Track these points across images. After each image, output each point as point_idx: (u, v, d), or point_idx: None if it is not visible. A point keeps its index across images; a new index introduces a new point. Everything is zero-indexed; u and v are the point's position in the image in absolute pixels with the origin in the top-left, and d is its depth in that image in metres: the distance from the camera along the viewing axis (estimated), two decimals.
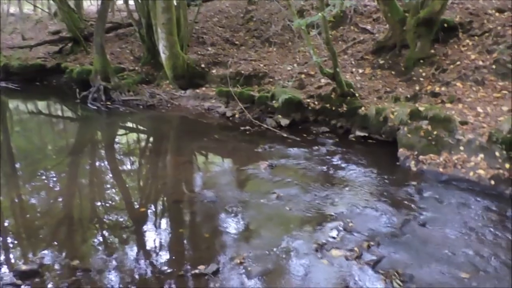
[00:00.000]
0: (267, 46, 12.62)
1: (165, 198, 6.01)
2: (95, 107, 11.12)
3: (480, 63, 8.47)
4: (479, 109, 7.32)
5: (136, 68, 13.04)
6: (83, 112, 11.14)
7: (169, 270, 4.02)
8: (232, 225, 4.98)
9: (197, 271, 3.96)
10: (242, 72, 10.85)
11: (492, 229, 4.96)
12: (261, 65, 11.27)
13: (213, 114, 10.40)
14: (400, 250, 4.48)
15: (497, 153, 6.17)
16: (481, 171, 6.13)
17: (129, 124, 10.46)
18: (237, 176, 6.60)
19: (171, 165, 7.35)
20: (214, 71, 11.67)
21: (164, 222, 5.23)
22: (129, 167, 7.35)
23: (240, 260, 4.15)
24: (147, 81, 12.49)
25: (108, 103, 11.38)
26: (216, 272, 3.94)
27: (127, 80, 12.02)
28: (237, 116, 9.94)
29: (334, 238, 4.66)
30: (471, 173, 6.17)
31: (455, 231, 4.89)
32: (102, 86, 11.59)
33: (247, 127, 9.09)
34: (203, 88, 11.41)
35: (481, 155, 6.30)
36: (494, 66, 8.26)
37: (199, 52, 12.48)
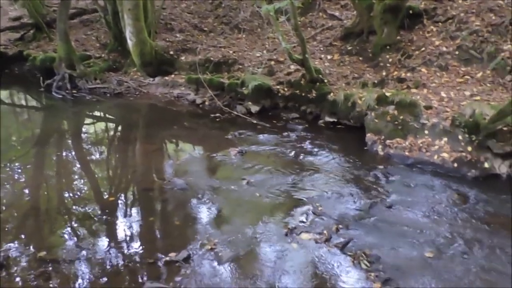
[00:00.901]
0: (236, 32, 12.53)
1: (135, 187, 5.96)
2: (60, 96, 10.81)
3: (444, 49, 8.70)
4: (443, 94, 7.54)
5: (103, 55, 12.70)
6: (48, 101, 10.81)
7: (139, 259, 4.02)
8: (203, 212, 5.00)
9: (168, 258, 3.98)
10: (212, 59, 10.75)
11: (455, 210, 5.16)
12: (231, 51, 11.19)
13: (183, 101, 10.30)
14: (367, 232, 4.60)
15: (460, 137, 6.38)
16: (444, 154, 6.33)
17: (97, 113, 10.23)
18: (208, 163, 6.60)
19: (141, 154, 7.27)
20: (183, 58, 11.50)
21: (134, 211, 5.18)
22: (97, 156, 7.22)
23: (211, 246, 4.18)
24: (114, 69, 12.19)
25: (74, 91, 11.08)
26: (187, 259, 3.97)
27: (93, 68, 11.72)
28: (207, 103, 9.87)
29: (304, 222, 4.75)
30: (436, 156, 6.37)
31: (420, 213, 5.07)
32: (67, 74, 11.25)
33: (217, 114, 9.06)
34: (172, 75, 11.24)
35: (445, 139, 6.50)
36: (457, 52, 8.50)
37: (167, 39, 12.27)
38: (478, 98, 7.21)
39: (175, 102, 10.31)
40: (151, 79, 11.30)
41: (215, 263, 3.96)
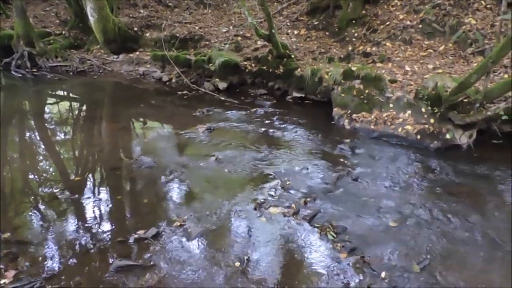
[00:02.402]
0: (202, 8, 12.32)
1: (102, 166, 5.86)
2: (20, 75, 10.43)
3: (408, 22, 8.83)
4: (407, 68, 7.69)
5: (63, 32, 12.26)
6: (7, 80, 10.39)
7: (108, 238, 4.00)
8: (171, 190, 4.99)
9: (136, 236, 3.98)
10: (177, 35, 10.56)
11: (418, 180, 5.35)
12: (197, 27, 11.02)
13: (149, 79, 10.12)
14: (334, 204, 4.71)
15: (423, 109, 6.56)
16: (408, 127, 6.50)
17: (60, 92, 9.92)
18: (176, 140, 6.55)
19: (107, 132, 7.14)
20: (147, 34, 11.26)
21: (101, 190, 5.10)
22: (62, 136, 7.04)
23: (180, 223, 4.20)
24: (76, 46, 11.81)
25: (34, 70, 10.71)
26: (156, 236, 3.98)
27: (54, 45, 11.32)
28: (173, 80, 9.74)
29: (272, 196, 4.81)
30: (400, 129, 6.53)
31: (385, 184, 5.22)
32: (26, 52, 10.85)
33: (185, 92, 8.97)
34: (137, 53, 11.01)
35: (409, 112, 6.67)
36: (420, 26, 8.65)
37: (130, 15, 11.95)
38: (440, 71, 7.39)
39: (140, 79, 10.12)
40: (115, 56, 11.04)
41: (184, 239, 3.98)
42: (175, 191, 4.95)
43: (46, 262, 3.65)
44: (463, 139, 6.34)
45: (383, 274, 3.59)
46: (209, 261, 3.69)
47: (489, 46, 7.57)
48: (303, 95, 8.49)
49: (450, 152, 6.18)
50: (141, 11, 12.24)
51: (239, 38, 10.14)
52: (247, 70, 9.09)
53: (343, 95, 7.39)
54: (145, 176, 5.31)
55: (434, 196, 4.96)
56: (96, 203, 4.69)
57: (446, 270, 3.69)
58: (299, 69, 8.51)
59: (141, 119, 7.75)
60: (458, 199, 4.89)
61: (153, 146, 6.32)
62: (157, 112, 8.01)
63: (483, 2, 8.57)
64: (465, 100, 6.29)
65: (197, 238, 3.99)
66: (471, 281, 3.56)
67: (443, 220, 4.47)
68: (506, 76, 6.82)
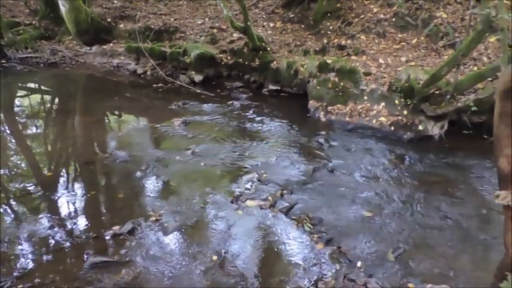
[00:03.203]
0: None
1: (75, 161, 5.76)
2: None
3: (382, 16, 8.93)
4: (381, 60, 7.79)
5: (34, 22, 11.88)
6: None
7: (83, 234, 3.94)
8: (147, 184, 4.94)
9: (111, 231, 3.93)
10: (152, 26, 10.39)
11: (391, 170, 5.46)
12: (172, 19, 10.86)
13: (123, 71, 9.95)
14: (311, 196, 4.77)
15: (396, 101, 6.67)
16: (382, 118, 6.61)
17: (30, 84, 9.66)
18: (151, 134, 6.48)
19: (80, 126, 6.99)
20: (121, 25, 11.03)
21: (75, 185, 5.01)
22: (34, 130, 6.87)
23: (156, 218, 4.17)
24: (47, 37, 11.48)
25: (3, 61, 10.38)
26: (131, 231, 3.94)
27: (24, 36, 10.97)
28: (148, 73, 9.61)
29: (249, 189, 4.83)
30: (374, 121, 6.63)
31: (360, 175, 5.31)
32: None
33: (160, 84, 8.86)
34: (111, 44, 10.78)
35: (383, 104, 6.77)
36: (394, 19, 8.77)
37: (104, 5, 11.67)
38: (413, 63, 7.52)
39: (115, 72, 9.95)
40: (88, 48, 10.80)
41: (161, 234, 3.96)
42: (151, 186, 4.90)
43: (17, 261, 3.57)
44: (435, 130, 6.48)
45: (359, 264, 3.67)
46: (186, 256, 3.68)
47: (459, 39, 7.73)
48: (279, 88, 8.51)
49: (422, 142, 6.32)
50: (115, 1, 11.97)
51: (215, 30, 10.05)
52: (223, 63, 9.03)
53: (318, 87, 7.44)
54: (120, 170, 5.25)
55: (408, 186, 5.08)
56: (69, 199, 4.60)
57: (419, 257, 3.79)
58: (275, 62, 8.51)
59: (116, 112, 7.63)
60: (431, 188, 5.01)
61: (128, 140, 6.24)
62: (132, 105, 7.90)
63: None
64: (437, 92, 6.43)
65: (173, 233, 3.98)
66: (443, 268, 3.67)
67: (416, 209, 4.58)
68: (475, 68, 7.00)
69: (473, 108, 6.20)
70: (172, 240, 3.89)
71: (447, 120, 6.51)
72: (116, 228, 3.98)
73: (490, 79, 6.28)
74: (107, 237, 3.89)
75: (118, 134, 6.56)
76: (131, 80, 9.46)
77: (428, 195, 4.88)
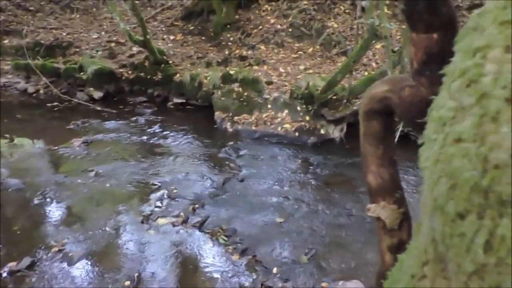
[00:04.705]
0: (69, 12, 11.50)
1: None
2: None
3: (279, 26, 9.27)
4: (281, 69, 8.07)
5: None
6: None
7: None
8: (46, 212, 4.57)
9: (7, 269, 3.57)
10: (42, 42, 9.72)
11: (299, 175, 5.65)
12: (64, 33, 10.26)
13: (11, 91, 9.16)
14: (223, 207, 4.76)
15: (298, 108, 6.94)
16: (287, 125, 6.83)
17: None
18: (48, 157, 6.03)
19: None
20: (6, 41, 10.17)
21: None
22: None
23: (59, 248, 3.87)
24: None
25: None
26: (31, 266, 3.62)
27: None
28: (41, 91, 8.95)
29: (159, 207, 4.69)
30: (279, 128, 6.83)
31: (270, 182, 5.42)
32: None
33: (55, 103, 8.29)
34: None
35: (286, 111, 7.00)
36: (290, 30, 9.14)
37: None
38: (311, 71, 7.89)
39: (2, 92, 9.12)
40: None
41: (65, 264, 3.68)
42: (51, 213, 4.54)
43: None
44: (336, 133, 6.85)
45: (274, 270, 3.72)
46: (95, 285, 3.46)
47: (350, 47, 8.28)
48: (184, 101, 8.41)
49: (325, 146, 6.63)
50: None
51: (113, 44, 9.68)
52: (123, 78, 8.72)
53: (223, 98, 7.50)
54: (13, 200, 4.78)
55: (315, 188, 5.29)
56: None
57: (330, 256, 3.96)
58: (178, 75, 8.41)
59: (6, 136, 6.98)
60: (335, 189, 5.27)
61: (21, 166, 5.72)
62: (24, 127, 7.27)
63: (342, 7, 9.35)
64: (334, 97, 6.81)
65: (80, 262, 3.72)
66: (351, 263, 3.86)
67: (324, 210, 4.78)
68: (366, 73, 7.54)
69: None
70: (78, 270, 3.63)
71: (346, 122, 6.90)
72: (12, 264, 3.62)
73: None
74: (4, 275, 3.52)
75: (10, 160, 6.00)
76: (22, 100, 8.74)
77: (334, 195, 5.13)
